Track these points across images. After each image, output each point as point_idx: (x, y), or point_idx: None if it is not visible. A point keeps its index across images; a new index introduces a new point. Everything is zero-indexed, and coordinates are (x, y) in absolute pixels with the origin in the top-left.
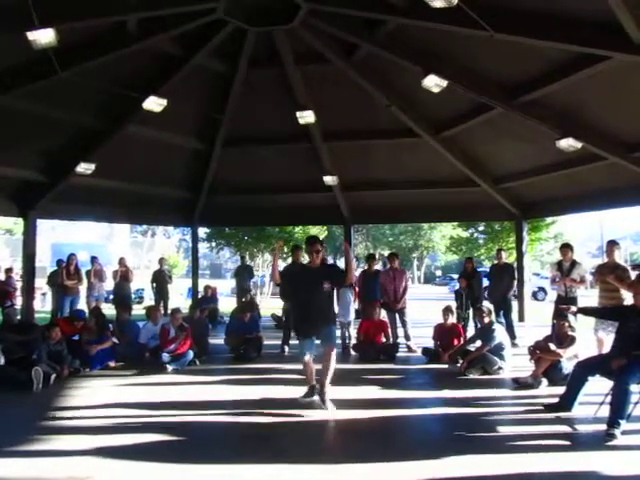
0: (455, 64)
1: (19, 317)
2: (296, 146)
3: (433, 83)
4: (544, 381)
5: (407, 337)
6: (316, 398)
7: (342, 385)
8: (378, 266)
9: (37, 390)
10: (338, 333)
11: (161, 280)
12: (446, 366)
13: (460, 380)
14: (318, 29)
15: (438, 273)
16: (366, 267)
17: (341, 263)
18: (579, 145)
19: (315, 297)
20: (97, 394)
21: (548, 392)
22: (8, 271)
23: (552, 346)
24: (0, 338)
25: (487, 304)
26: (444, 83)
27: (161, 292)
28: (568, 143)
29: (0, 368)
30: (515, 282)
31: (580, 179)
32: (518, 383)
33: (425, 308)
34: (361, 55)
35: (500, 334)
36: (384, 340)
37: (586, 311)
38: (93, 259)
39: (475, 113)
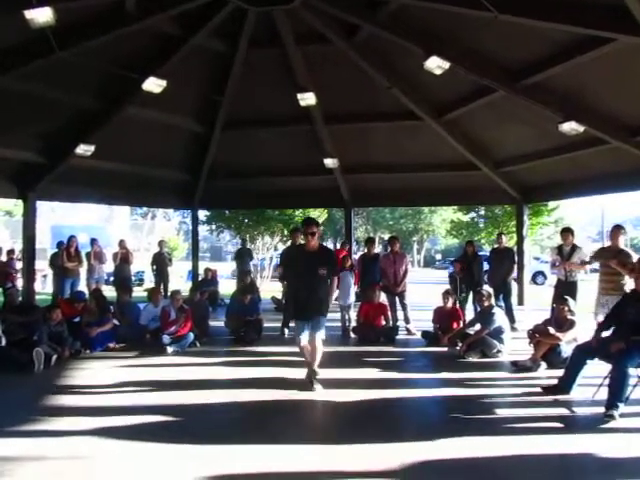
0: (458, 46)
1: (20, 299)
2: (296, 128)
3: (435, 65)
4: (543, 364)
5: (407, 320)
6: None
7: (341, 367)
8: (378, 249)
9: (38, 371)
10: (338, 316)
11: (161, 262)
12: (445, 349)
13: (459, 363)
14: (319, 9)
15: (438, 257)
16: (365, 250)
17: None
18: (581, 129)
19: (311, 282)
20: (98, 375)
21: (547, 375)
22: (10, 253)
23: (551, 330)
24: (1, 319)
25: (487, 288)
26: (446, 65)
27: (161, 274)
28: (570, 127)
29: (1, 349)
30: (515, 266)
31: (582, 163)
32: (517, 366)
33: (425, 291)
34: (362, 36)
35: (500, 318)
36: (384, 323)
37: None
38: (93, 241)
39: (477, 96)
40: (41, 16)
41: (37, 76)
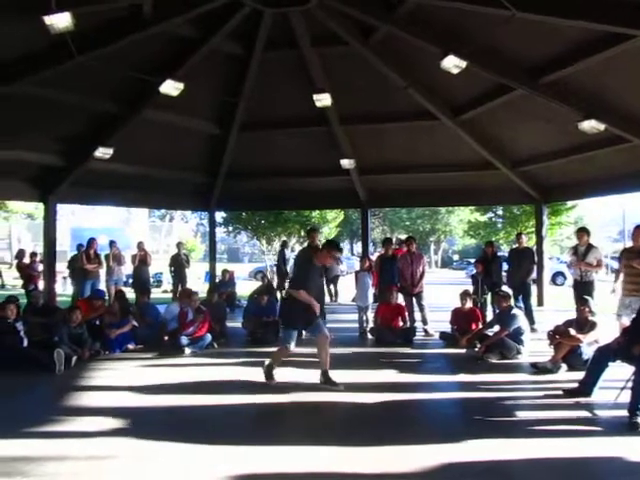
0: (475, 44)
1: (42, 301)
2: (313, 129)
3: (452, 64)
4: (563, 366)
5: (424, 321)
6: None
7: (359, 369)
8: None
9: (59, 372)
10: (356, 317)
11: (179, 264)
12: (463, 351)
13: (478, 364)
14: (335, 10)
15: (455, 257)
16: (383, 251)
17: (358, 247)
18: (602, 127)
19: (318, 289)
20: (117, 376)
21: (567, 377)
22: (33, 255)
23: (572, 331)
24: (24, 320)
25: (506, 288)
26: (463, 64)
27: (179, 276)
28: (590, 125)
29: (23, 350)
30: (535, 267)
31: (602, 162)
32: (537, 368)
33: (442, 292)
34: (378, 36)
35: (519, 319)
36: (401, 324)
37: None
38: (112, 243)
39: (495, 95)
40: (60, 21)
41: (57, 81)
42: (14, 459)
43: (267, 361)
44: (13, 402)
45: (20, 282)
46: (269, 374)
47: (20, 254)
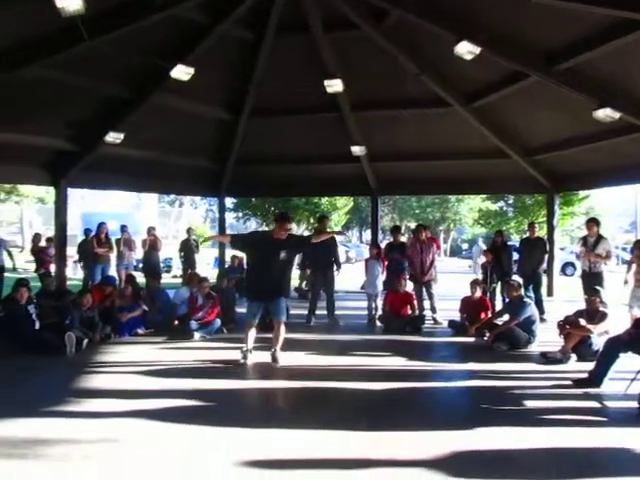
0: (489, 30)
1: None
2: (323, 116)
3: (465, 50)
4: (573, 357)
5: (433, 310)
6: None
7: (368, 356)
8: (404, 238)
9: (70, 354)
10: (365, 304)
11: (189, 250)
12: (472, 339)
13: (487, 353)
14: None
15: (465, 246)
16: (392, 239)
17: (367, 235)
18: (617, 115)
19: (270, 265)
20: (128, 359)
21: (577, 367)
22: (48, 240)
23: (582, 321)
24: (36, 303)
25: (516, 278)
26: (477, 50)
27: (189, 261)
28: (605, 113)
29: (35, 332)
30: (546, 256)
31: (617, 151)
32: (546, 358)
33: (451, 281)
34: (391, 21)
35: (530, 308)
36: (410, 312)
37: None
38: (123, 228)
39: (508, 82)
40: (71, 4)
41: (68, 65)
42: (26, 441)
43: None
44: (25, 384)
45: (32, 266)
46: (244, 354)
47: (36, 238)
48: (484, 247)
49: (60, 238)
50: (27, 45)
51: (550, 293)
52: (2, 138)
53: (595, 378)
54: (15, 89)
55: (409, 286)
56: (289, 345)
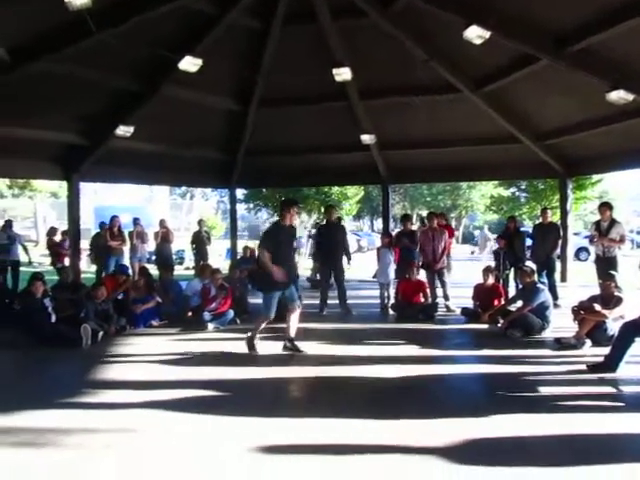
0: (499, 13)
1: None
2: (333, 105)
3: (475, 34)
4: (588, 342)
5: (446, 297)
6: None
7: (381, 344)
8: (415, 227)
9: (85, 346)
10: (377, 293)
11: (200, 241)
12: (486, 326)
13: (500, 340)
14: None
15: (477, 233)
16: (402, 228)
17: (378, 224)
18: (630, 97)
19: (288, 253)
20: (143, 350)
21: (592, 353)
22: (64, 234)
23: (597, 306)
24: (52, 296)
25: (530, 264)
26: (487, 34)
27: (201, 253)
28: (619, 95)
29: (51, 325)
30: (560, 242)
31: (631, 134)
32: (560, 343)
33: (464, 268)
34: (399, 7)
35: (544, 294)
36: (422, 300)
37: None
38: (135, 221)
39: (519, 66)
40: None
41: (76, 58)
42: (45, 431)
43: (249, 333)
44: (42, 376)
45: (47, 259)
46: (251, 345)
47: (51, 232)
48: (489, 234)
49: (74, 232)
50: (36, 40)
51: (564, 278)
52: (14, 133)
53: (610, 363)
54: (25, 84)
55: (421, 274)
56: (303, 334)
